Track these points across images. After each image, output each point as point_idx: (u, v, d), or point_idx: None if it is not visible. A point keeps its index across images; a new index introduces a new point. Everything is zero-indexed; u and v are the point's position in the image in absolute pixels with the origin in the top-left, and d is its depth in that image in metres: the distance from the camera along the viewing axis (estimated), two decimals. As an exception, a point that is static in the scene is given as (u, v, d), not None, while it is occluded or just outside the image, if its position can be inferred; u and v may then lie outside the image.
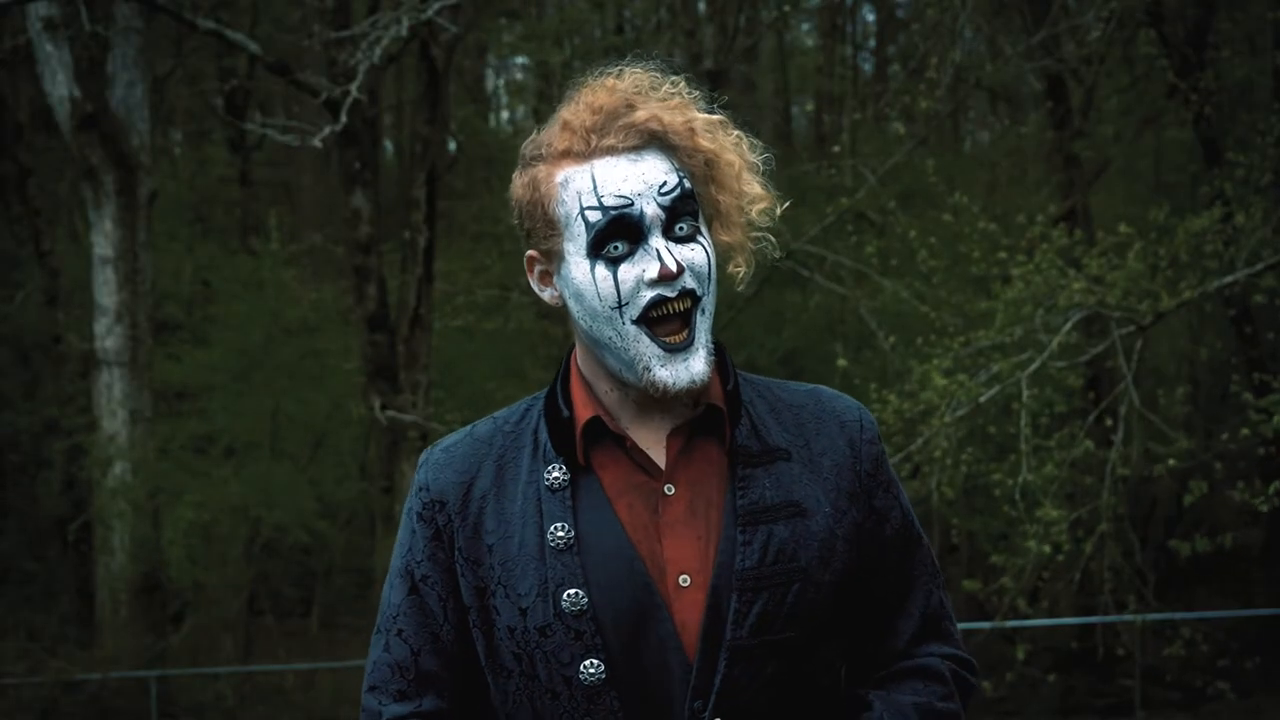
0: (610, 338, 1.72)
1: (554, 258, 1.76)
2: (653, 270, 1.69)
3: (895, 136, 14.65)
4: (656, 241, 1.70)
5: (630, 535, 1.72)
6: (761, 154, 1.81)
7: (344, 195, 13.52)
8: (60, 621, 13.90)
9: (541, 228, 1.75)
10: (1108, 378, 11.97)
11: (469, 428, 1.85)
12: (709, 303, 1.74)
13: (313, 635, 17.17)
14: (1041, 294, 10.11)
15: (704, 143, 1.74)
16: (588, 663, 1.70)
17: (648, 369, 1.71)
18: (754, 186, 1.78)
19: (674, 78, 1.80)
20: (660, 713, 1.71)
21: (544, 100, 17.83)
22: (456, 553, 1.77)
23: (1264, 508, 9.93)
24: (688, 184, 1.73)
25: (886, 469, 1.85)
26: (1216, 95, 12.72)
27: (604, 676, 1.70)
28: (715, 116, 1.79)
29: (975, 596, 12.42)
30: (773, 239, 1.81)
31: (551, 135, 1.75)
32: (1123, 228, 10.17)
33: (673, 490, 1.75)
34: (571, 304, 1.75)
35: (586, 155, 1.72)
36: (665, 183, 1.71)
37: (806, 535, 1.74)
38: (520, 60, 21.14)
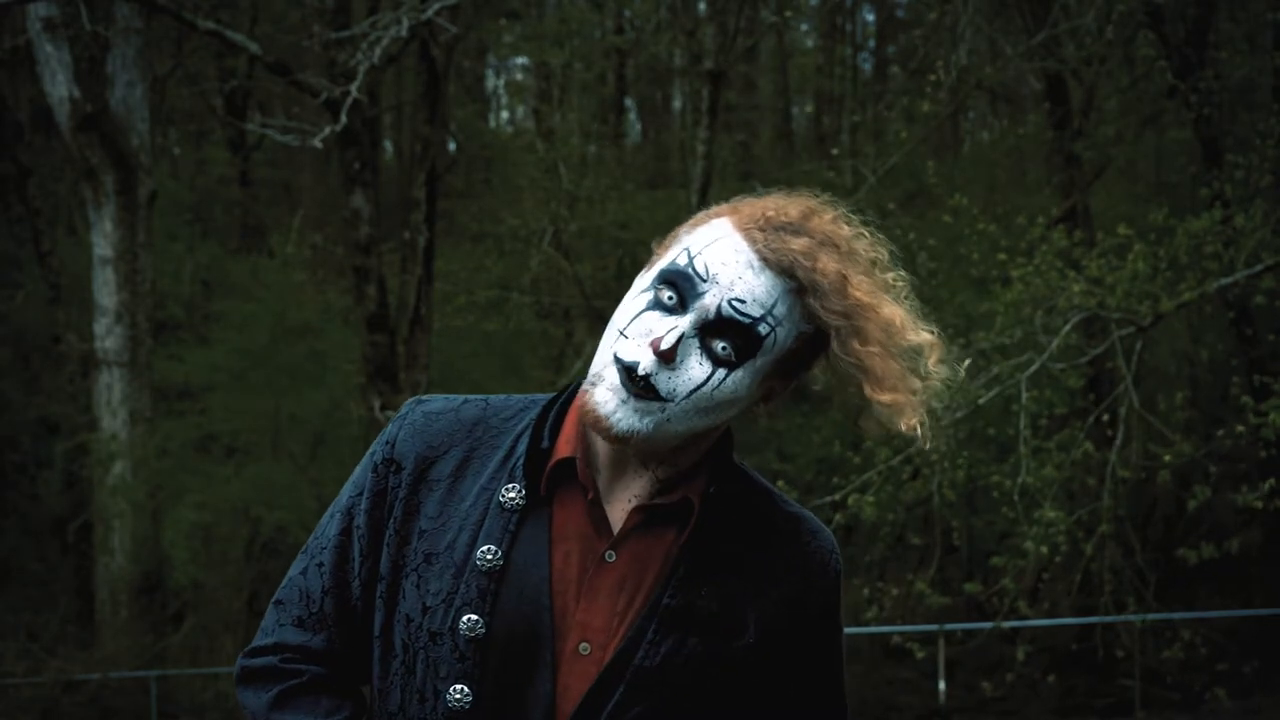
0: (602, 349, 1.67)
1: (651, 269, 1.71)
2: (655, 336, 1.63)
3: (896, 138, 14.66)
4: (684, 323, 1.62)
5: (553, 584, 1.68)
6: (939, 366, 1.71)
7: (344, 195, 13.52)
8: (60, 621, 13.90)
9: (670, 239, 1.72)
10: (1108, 379, 11.98)
11: (460, 401, 1.80)
12: (677, 417, 1.63)
13: (312, 635, 17.15)
14: (1041, 295, 10.12)
15: (857, 294, 1.63)
16: (458, 687, 1.66)
17: (594, 384, 1.65)
18: (920, 335, 1.67)
19: (901, 273, 1.71)
20: None
21: (544, 100, 17.84)
22: (391, 521, 1.74)
23: (1258, 503, 9.93)
24: (761, 328, 1.63)
25: (833, 617, 1.78)
26: (1216, 95, 12.72)
27: (468, 706, 1.66)
28: (889, 311, 1.67)
29: (976, 597, 12.42)
30: (940, 385, 1.69)
31: (752, 199, 1.71)
32: (1122, 229, 10.17)
33: (613, 558, 1.70)
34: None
35: (738, 227, 1.66)
36: (746, 302, 1.62)
37: (720, 656, 1.69)
38: (520, 60, 21.14)
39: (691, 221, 1.71)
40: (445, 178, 16.34)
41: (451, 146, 17.57)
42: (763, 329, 1.63)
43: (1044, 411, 10.44)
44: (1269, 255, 10.18)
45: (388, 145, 20.82)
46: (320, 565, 1.78)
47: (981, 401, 10.00)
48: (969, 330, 11.03)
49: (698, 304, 1.63)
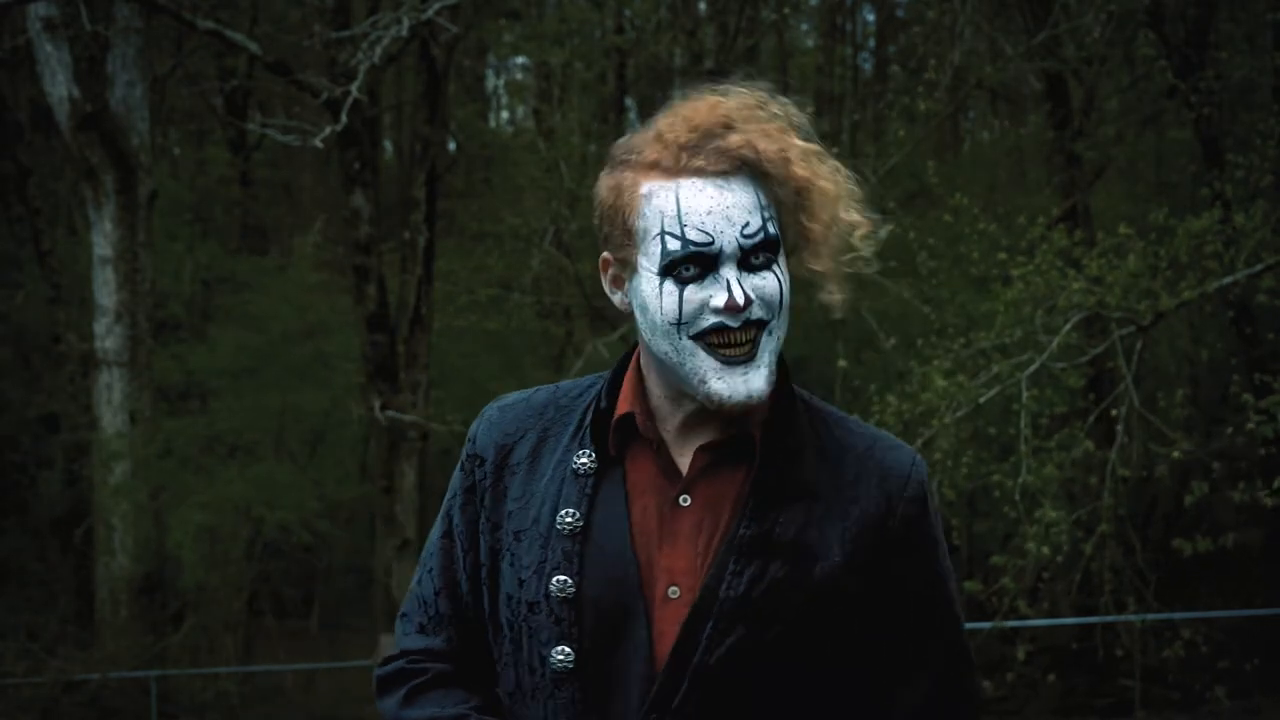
0: (667, 353, 1.71)
1: (627, 266, 1.75)
2: (719, 299, 1.68)
3: (896, 138, 14.67)
4: (729, 272, 1.68)
5: (634, 537, 1.72)
6: (858, 183, 1.79)
7: (344, 195, 13.52)
8: (60, 621, 13.89)
9: (619, 235, 1.74)
10: (1108, 378, 11.98)
11: (531, 391, 1.89)
12: (778, 327, 1.72)
13: (313, 635, 17.17)
14: (1041, 295, 10.11)
15: (798, 171, 1.71)
16: (559, 649, 1.72)
17: (704, 381, 1.69)
18: (852, 214, 1.75)
19: (782, 100, 1.78)
20: (614, 716, 1.71)
21: (544, 100, 17.83)
22: (482, 510, 1.81)
23: (1269, 501, 9.90)
24: (772, 227, 1.70)
25: (923, 533, 1.77)
26: (1217, 95, 12.72)
27: (571, 666, 1.72)
28: (812, 145, 1.76)
29: (975, 597, 12.42)
30: (867, 256, 1.77)
31: (643, 142, 1.74)
32: (1122, 228, 10.17)
33: (688, 501, 1.74)
34: (637, 314, 1.75)
35: (674, 172, 1.70)
36: (749, 224, 1.68)
37: (805, 580, 1.70)
38: (520, 60, 21.13)
39: (624, 210, 1.73)
40: (445, 178, 16.34)
41: (451, 146, 17.57)
42: (771, 227, 1.71)
43: (1044, 411, 10.43)
44: (1269, 255, 10.17)
45: (388, 145, 20.81)
46: (430, 571, 1.86)
47: (982, 401, 9.99)
48: (969, 329, 11.03)
49: (723, 256, 1.69)
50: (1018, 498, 9.74)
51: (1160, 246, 10.15)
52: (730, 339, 1.69)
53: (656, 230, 1.69)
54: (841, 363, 12.01)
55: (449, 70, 13.63)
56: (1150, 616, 12.05)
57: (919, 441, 10.02)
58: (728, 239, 1.67)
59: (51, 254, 15.24)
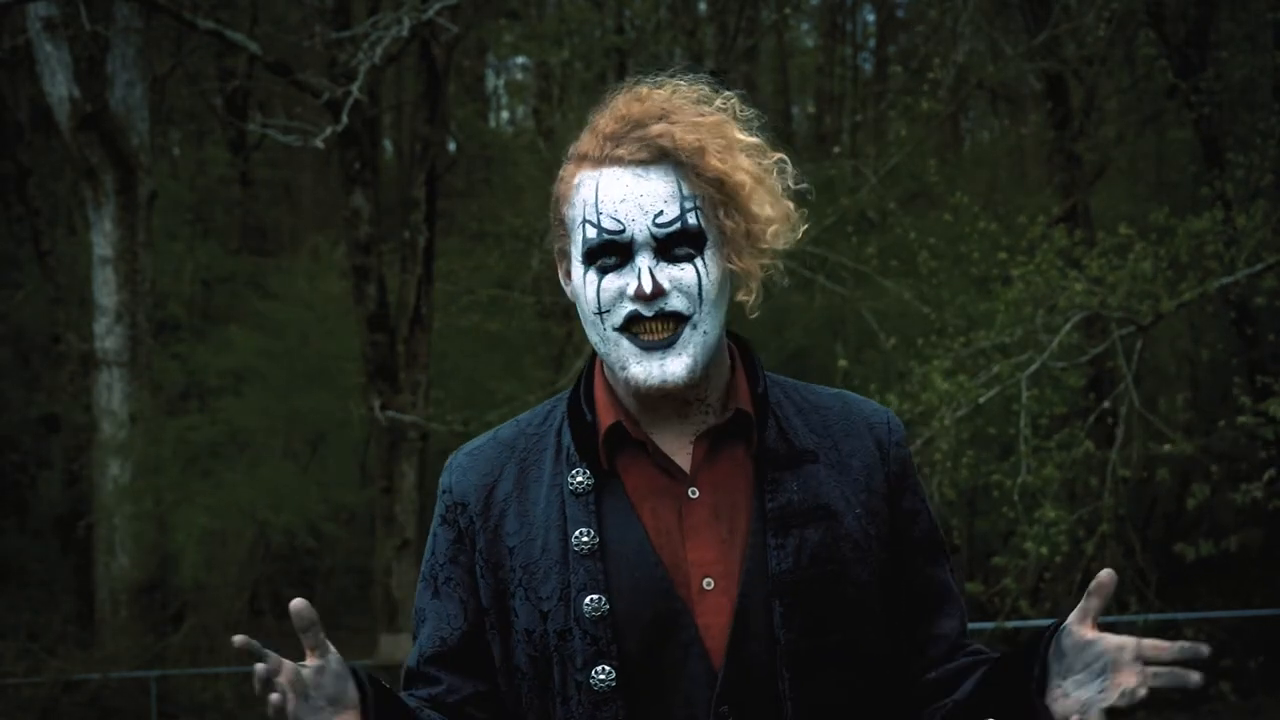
0: (597, 341, 1.73)
1: (566, 257, 1.78)
2: (632, 287, 1.69)
3: (897, 137, 14.66)
4: (643, 260, 1.68)
5: (653, 541, 1.72)
6: (798, 183, 1.78)
7: (344, 195, 13.50)
8: (60, 621, 13.89)
9: (557, 226, 1.77)
10: (1108, 378, 11.97)
11: (493, 431, 1.86)
12: (703, 320, 1.69)
13: (313, 635, 17.09)
14: (1042, 295, 10.11)
15: (714, 163, 1.69)
16: (599, 668, 1.69)
17: (624, 367, 1.70)
18: (766, 209, 1.72)
19: (726, 94, 1.77)
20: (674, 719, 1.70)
21: (544, 100, 17.83)
22: (477, 554, 1.78)
23: (1258, 493, 9.90)
24: (694, 219, 1.69)
25: (913, 472, 1.84)
26: (1217, 95, 12.71)
27: (614, 683, 1.69)
28: (746, 139, 1.74)
29: (977, 598, 12.42)
30: (780, 266, 1.77)
31: (582, 137, 1.76)
32: (1122, 228, 10.16)
33: (697, 494, 1.74)
34: (577, 306, 1.77)
35: (599, 162, 1.71)
36: (663, 212, 1.68)
37: (839, 537, 1.73)
38: (520, 60, 21.12)
39: (559, 200, 1.76)
40: (445, 178, 16.33)
41: (451, 146, 17.56)
42: (691, 218, 1.69)
43: (1045, 411, 10.42)
44: (1270, 255, 10.16)
45: (388, 145, 20.80)
46: (421, 639, 1.82)
47: (982, 400, 9.99)
48: (969, 329, 11.02)
49: (636, 244, 1.69)
50: (1017, 498, 9.74)
51: (1161, 246, 10.15)
52: (647, 329, 1.69)
53: (580, 219, 1.72)
54: (841, 363, 12.00)
55: (449, 70, 13.62)
56: (1152, 616, 12.05)
57: (919, 441, 10.02)
58: (639, 227, 1.68)
59: (51, 254, 15.24)
